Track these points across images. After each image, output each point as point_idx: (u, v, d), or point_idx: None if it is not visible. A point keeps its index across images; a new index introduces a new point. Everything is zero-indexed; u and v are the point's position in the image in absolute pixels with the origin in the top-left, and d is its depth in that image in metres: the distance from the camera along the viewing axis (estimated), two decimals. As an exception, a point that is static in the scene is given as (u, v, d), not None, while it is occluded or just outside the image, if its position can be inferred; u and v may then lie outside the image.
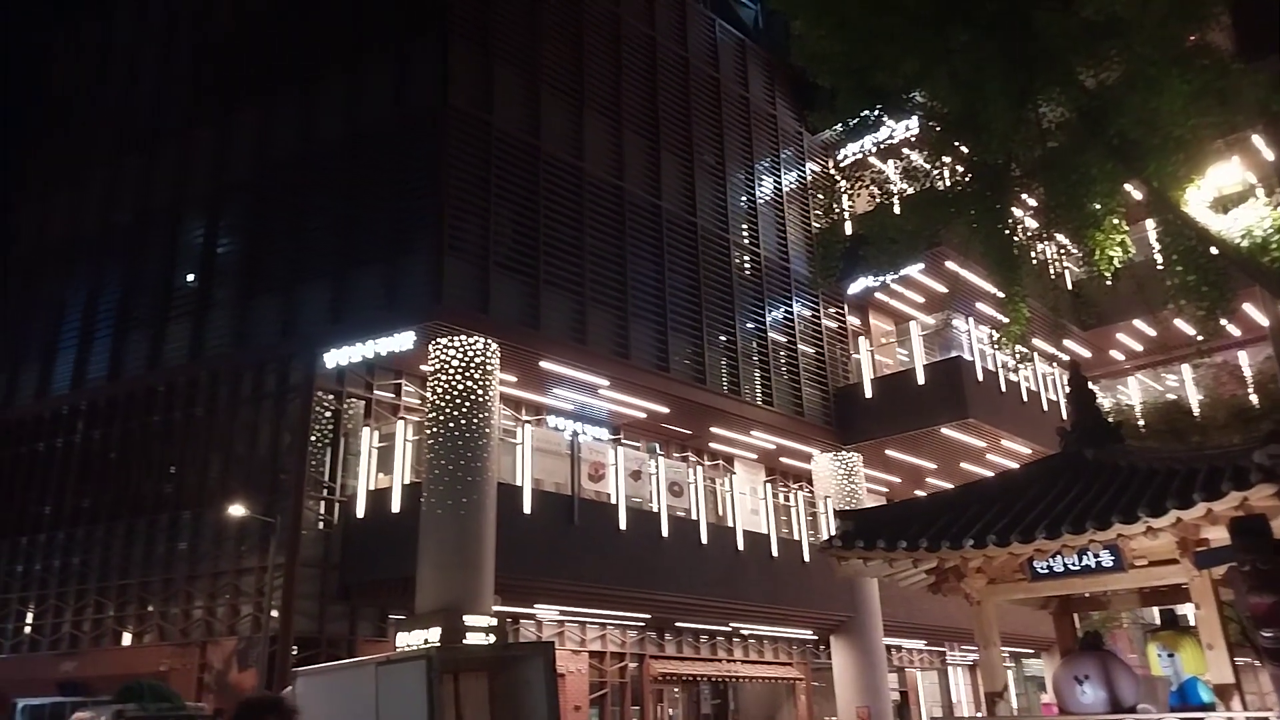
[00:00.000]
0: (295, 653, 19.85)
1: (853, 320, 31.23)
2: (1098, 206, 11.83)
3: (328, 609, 21.09)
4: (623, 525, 23.14)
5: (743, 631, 28.30)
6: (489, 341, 21.02)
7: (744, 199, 29.07)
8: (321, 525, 21.75)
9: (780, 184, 30.43)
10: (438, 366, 20.82)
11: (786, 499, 29.29)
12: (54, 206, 31.04)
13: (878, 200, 15.46)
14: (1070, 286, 28.36)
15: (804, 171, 31.53)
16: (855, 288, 29.88)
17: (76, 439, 26.64)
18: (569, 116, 24.45)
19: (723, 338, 26.58)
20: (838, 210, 19.07)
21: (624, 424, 25.89)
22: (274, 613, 20.14)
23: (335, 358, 21.64)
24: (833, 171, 30.49)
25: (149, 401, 25.36)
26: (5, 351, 29.92)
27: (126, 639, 23.09)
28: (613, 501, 23.41)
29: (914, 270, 27.14)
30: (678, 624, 26.62)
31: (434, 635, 18.26)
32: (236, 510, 20.87)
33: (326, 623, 20.99)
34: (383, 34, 23.73)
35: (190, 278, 26.36)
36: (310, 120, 24.81)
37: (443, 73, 22.04)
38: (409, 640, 18.55)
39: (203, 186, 26.88)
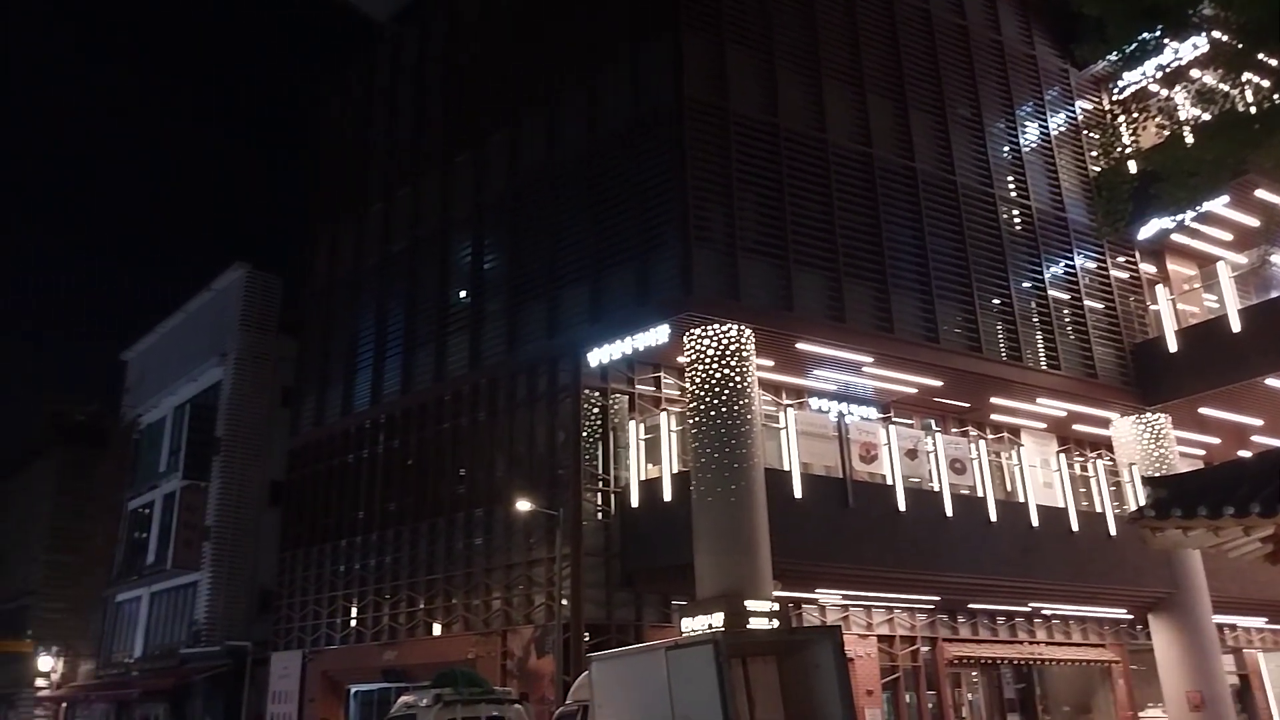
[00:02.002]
0: (587, 639, 20.62)
1: (1147, 268, 28.02)
2: None
3: (614, 596, 21.79)
4: (901, 506, 22.19)
5: (1044, 611, 26.41)
6: (743, 328, 20.86)
7: (1007, 149, 26.92)
8: (600, 516, 22.51)
9: (1047, 128, 27.90)
10: (694, 357, 20.92)
11: (1084, 469, 26.93)
12: (340, 242, 34.30)
13: (1167, 132, 14.01)
14: None
15: (1074, 111, 28.73)
16: (1147, 232, 26.76)
17: (379, 449, 29.24)
18: (807, 89, 23.75)
19: (996, 301, 24.75)
20: (1120, 148, 17.15)
21: (893, 401, 24.73)
22: (564, 601, 21.01)
23: (598, 356, 22.35)
24: (1109, 107, 27.71)
25: (438, 410, 27.36)
26: (313, 376, 33.42)
27: (437, 629, 25.00)
28: (888, 482, 22.51)
29: (1217, 205, 24.06)
30: (970, 605, 25.31)
31: (717, 620, 18.36)
32: (523, 505, 22.01)
33: (614, 609, 21.68)
34: (616, 41, 24.37)
35: (463, 294, 28.17)
36: (555, 133, 25.81)
37: (677, 66, 22.19)
38: (693, 625, 18.73)
39: (465, 208, 28.67)
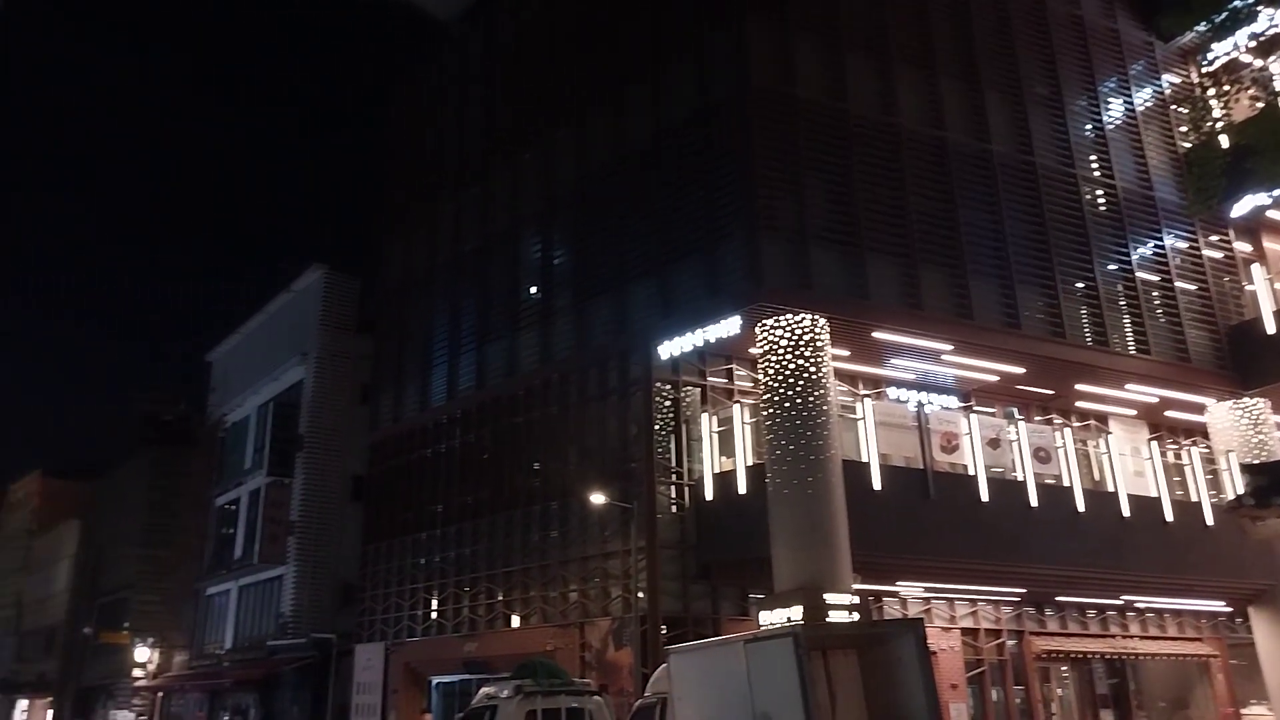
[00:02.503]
0: (664, 631, 20.59)
1: (1241, 246, 26.80)
2: None
3: (690, 589, 21.76)
4: (984, 496, 21.69)
5: (1137, 604, 25.56)
6: (816, 317, 20.58)
7: (1089, 128, 26.01)
8: (674, 508, 22.47)
9: (1132, 104, 26.88)
10: (766, 348, 20.71)
11: (1178, 457, 25.93)
12: (413, 242, 34.80)
13: (1261, 104, 13.49)
14: None
15: (1160, 86, 27.62)
16: (1241, 209, 25.61)
17: (455, 444, 29.63)
18: (877, 74, 23.29)
19: (1080, 284, 23.96)
20: (1210, 123, 16.39)
21: (974, 389, 24.12)
22: (640, 594, 21.01)
23: (668, 349, 22.33)
24: (1198, 80, 26.61)
25: (511, 405, 27.60)
26: (390, 373, 34.03)
27: (515, 621, 25.26)
28: (970, 472, 22.02)
29: (1316, 178, 22.80)
30: (1058, 598, 24.63)
31: (795, 614, 18.17)
32: (596, 498, 22.06)
33: (690, 602, 21.64)
34: (681, 32, 24.22)
35: (533, 290, 28.36)
36: (621, 127, 25.79)
37: (742, 55, 22.01)
38: (771, 618, 18.57)
39: (534, 205, 28.83)
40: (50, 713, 53.92)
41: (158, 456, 46.95)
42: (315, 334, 36.80)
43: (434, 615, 28.19)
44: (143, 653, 42.75)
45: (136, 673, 42.85)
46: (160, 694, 42.16)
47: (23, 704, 59.00)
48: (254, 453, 38.25)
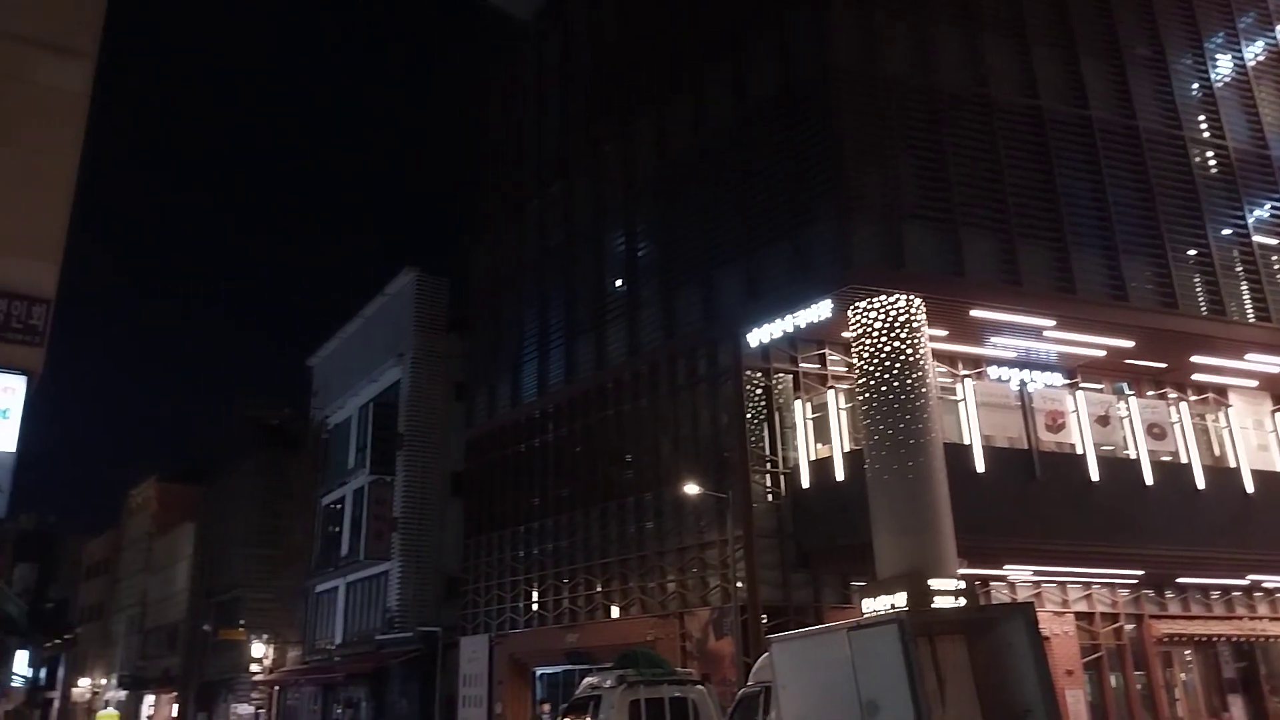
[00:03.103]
0: (765, 620, 20.44)
1: (1365, 204, 25.17)
2: None
3: (790, 577, 21.54)
4: (1094, 476, 20.95)
5: (1265, 585, 24.28)
6: (910, 298, 20.10)
7: (1195, 87, 24.72)
8: (770, 497, 22.26)
9: (1242, 60, 25.42)
10: (860, 331, 20.33)
11: (1305, 429, 24.48)
12: (500, 242, 35.27)
13: None
14: None
15: (1273, 38, 26.06)
16: (1362, 163, 24.06)
17: (549, 438, 29.95)
18: (963, 45, 22.58)
19: (1192, 251, 22.82)
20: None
21: (1080, 365, 23.18)
22: (739, 583, 20.89)
23: (757, 336, 22.08)
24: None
25: (600, 398, 27.75)
26: (483, 371, 34.60)
27: (615, 612, 25.40)
28: (1079, 451, 21.23)
29: None
30: (1178, 579, 23.60)
31: (899, 600, 17.82)
32: (690, 489, 22.00)
33: (791, 590, 21.44)
34: (761, 13, 23.88)
35: (618, 282, 28.42)
36: (701, 113, 25.60)
37: (824, 33, 21.58)
38: (874, 606, 18.25)
39: (616, 197, 28.87)
40: (175, 707, 56.59)
41: (266, 459, 48.72)
42: (410, 335, 37.63)
43: (535, 607, 28.56)
44: (258, 648, 44.47)
45: (254, 668, 44.60)
46: (276, 688, 43.79)
47: (150, 698, 62.02)
48: (356, 452, 39.35)
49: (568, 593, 27.20)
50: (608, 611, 25.66)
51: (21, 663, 60.73)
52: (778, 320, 21.41)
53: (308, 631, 42.85)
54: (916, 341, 19.90)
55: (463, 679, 29.94)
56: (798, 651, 14.71)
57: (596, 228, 29.60)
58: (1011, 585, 22.38)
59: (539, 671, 28.82)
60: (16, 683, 60.81)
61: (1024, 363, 22.55)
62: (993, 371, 22.41)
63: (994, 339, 21.92)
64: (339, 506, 40.58)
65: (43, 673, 74.30)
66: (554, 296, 31.24)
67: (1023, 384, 22.07)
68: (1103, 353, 22.44)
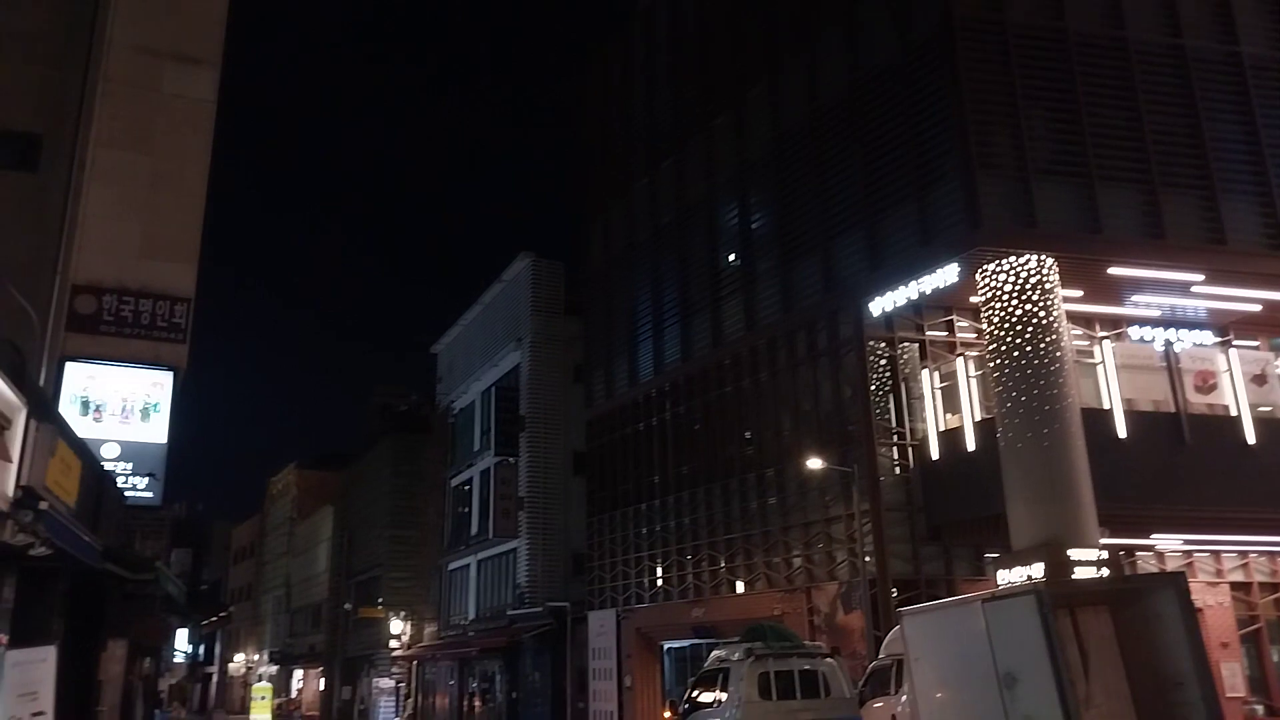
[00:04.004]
0: (895, 594, 20.04)
1: None
2: None
3: (920, 550, 21.06)
4: (1250, 439, 19.64)
5: None
6: (1043, 257, 19.32)
7: (1358, 15, 22.76)
8: (898, 470, 21.80)
9: None
10: (989, 295, 19.64)
11: None
12: (612, 222, 35.42)
13: None
14: None
15: None
16: None
17: (666, 416, 30.04)
18: (1095, -17, 21.34)
19: (1356, 194, 21.08)
20: None
21: (1232, 321, 21.72)
22: (868, 557, 20.53)
23: (880, 304, 21.57)
24: None
25: (719, 375, 27.63)
26: (600, 352, 34.92)
27: (740, 587, 25.33)
28: (1232, 413, 19.90)
29: None
30: (1347, 548, 21.86)
31: (1036, 571, 17.24)
32: (814, 463, 21.70)
33: (921, 564, 20.97)
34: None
35: (732, 257, 28.18)
36: (815, 78, 25.01)
37: (943, -18, 20.66)
38: (1009, 577, 17.68)
39: (729, 170, 28.58)
40: (321, 680, 59.57)
41: (397, 444, 50.53)
42: (527, 320, 38.30)
43: (660, 582, 28.76)
44: (396, 625, 46.28)
45: (393, 643, 46.46)
46: (415, 662, 45.51)
47: (298, 673, 65.48)
48: (481, 435, 40.41)
49: (692, 568, 27.29)
50: (733, 586, 25.63)
51: (182, 640, 64.93)
52: (901, 287, 20.87)
53: (442, 608, 44.36)
54: (1050, 303, 19.14)
55: (592, 652, 30.45)
56: (930, 624, 14.42)
57: (709, 203, 29.40)
58: (1159, 555, 21.24)
59: (666, 645, 29.05)
60: (178, 659, 65.11)
61: (1169, 321, 21.30)
62: (1134, 332, 21.26)
63: (1135, 297, 20.79)
64: (467, 488, 41.77)
65: (201, 649, 79.50)
66: (668, 274, 31.23)
67: (1168, 344, 20.87)
68: (1257, 307, 20.96)
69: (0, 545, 7.17)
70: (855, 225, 22.94)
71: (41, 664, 7.40)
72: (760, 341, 26.05)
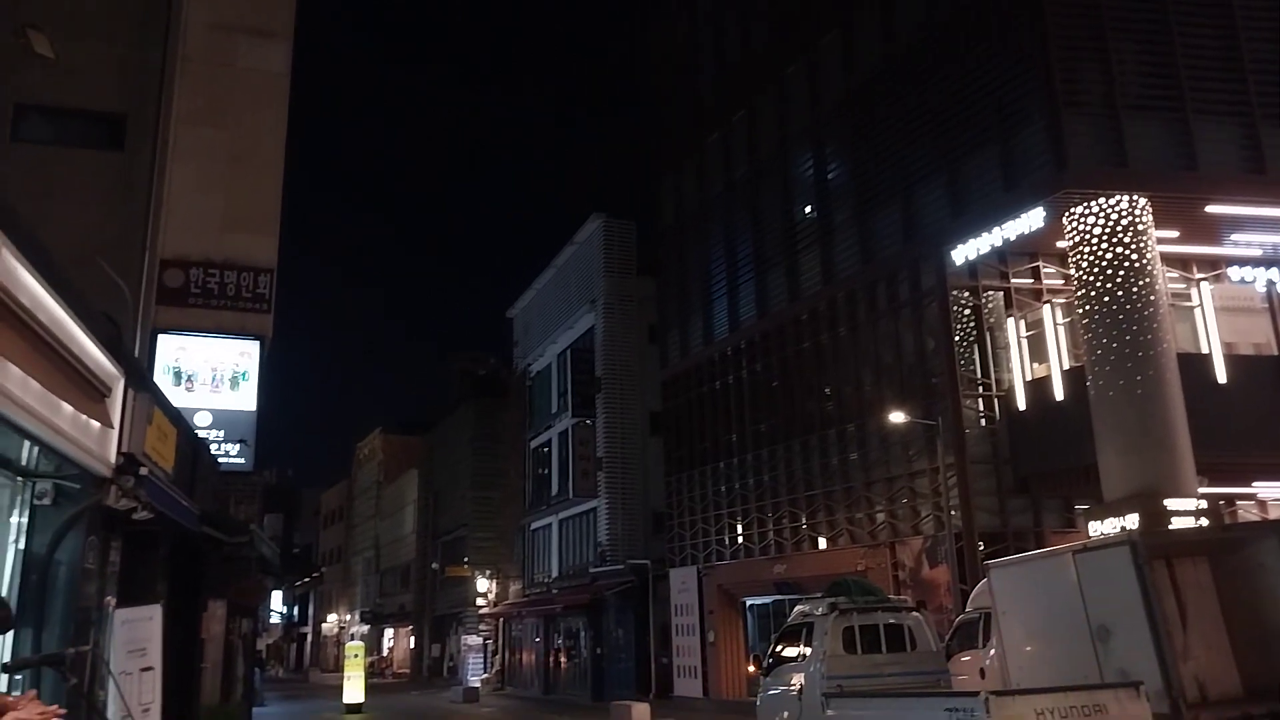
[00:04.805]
0: (981, 548, 19.68)
1: None
2: None
3: (1007, 503, 20.63)
4: (1363, 382, 18.53)
5: None
6: (1135, 198, 18.51)
7: None
8: (983, 422, 21.32)
9: None
10: (1078, 239, 18.95)
11: None
12: (683, 178, 35.02)
13: None
14: None
15: None
16: None
17: (743, 374, 29.83)
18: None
19: None
20: None
21: (1340, 258, 20.61)
22: (953, 511, 20.17)
23: (963, 252, 21.00)
24: None
25: (796, 330, 27.28)
26: (674, 311, 34.75)
27: (822, 543, 25.18)
28: (1342, 355, 18.86)
29: None
30: None
31: (1130, 522, 16.72)
32: (896, 417, 21.33)
33: (1009, 516, 20.55)
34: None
35: (808, 209, 27.66)
36: (890, 20, 24.27)
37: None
38: (1102, 529, 17.20)
39: (803, 121, 27.98)
40: (412, 639, 61.45)
41: (477, 408, 51.38)
42: (600, 281, 38.29)
43: (740, 539, 28.76)
44: (482, 584, 47.36)
45: (479, 602, 47.59)
46: (501, 620, 46.57)
47: (389, 631, 67.65)
48: (558, 397, 40.76)
49: (773, 525, 27.20)
50: (815, 542, 25.48)
51: (277, 602, 67.58)
52: (985, 234, 20.27)
53: (526, 566, 45.20)
54: (1143, 245, 18.38)
55: (675, 609, 30.70)
56: (1019, 577, 14.11)
57: (783, 155, 28.86)
58: (1261, 504, 20.41)
59: (748, 602, 29.12)
60: (274, 620, 67.85)
61: (1271, 260, 20.25)
62: (1234, 273, 20.30)
63: (1234, 236, 19.83)
64: (546, 449, 42.27)
65: (295, 611, 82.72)
66: (741, 230, 30.84)
67: (1270, 284, 19.87)
68: (1368, 243, 19.83)
69: (106, 510, 7.45)
70: (935, 171, 22.32)
71: (148, 621, 7.70)
72: (839, 294, 25.62)
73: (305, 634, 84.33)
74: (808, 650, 14.77)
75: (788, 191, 28.55)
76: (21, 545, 6.71)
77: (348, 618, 73.25)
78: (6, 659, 5.72)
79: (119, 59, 15.60)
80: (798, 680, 14.47)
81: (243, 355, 16.42)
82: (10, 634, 6.11)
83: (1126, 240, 18.36)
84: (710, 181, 33.04)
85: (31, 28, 9.87)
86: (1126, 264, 18.27)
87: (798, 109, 28.21)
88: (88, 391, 5.05)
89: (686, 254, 34.30)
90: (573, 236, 41.10)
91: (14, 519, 6.67)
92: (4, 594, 6.30)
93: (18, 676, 4.55)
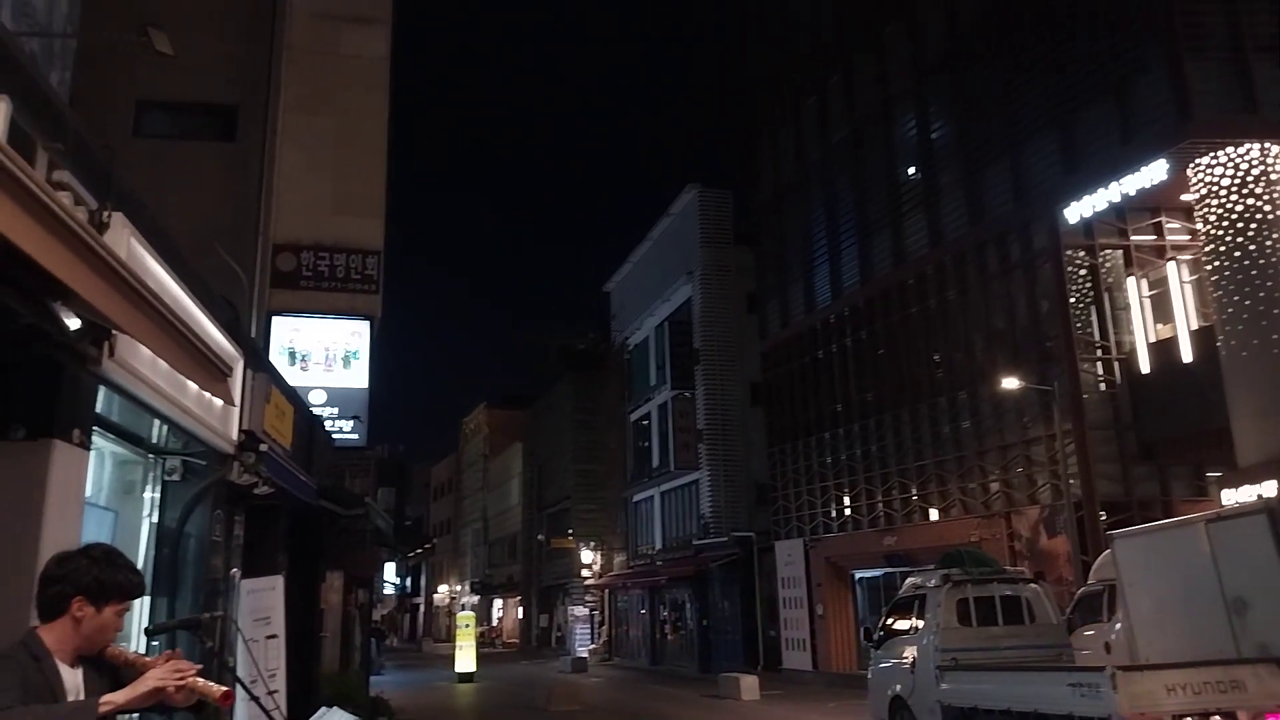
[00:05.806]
0: (1103, 517, 18.90)
1: None
2: None
3: (1130, 470, 19.77)
4: None
5: None
6: (1266, 146, 17.40)
7: None
8: (1103, 386, 20.43)
9: None
10: (1204, 192, 17.90)
11: None
12: (780, 144, 34.39)
13: None
14: None
15: None
16: None
17: (847, 342, 29.24)
18: None
19: None
20: None
21: None
22: (1072, 479, 19.40)
23: (1077, 210, 20.10)
24: None
25: (901, 295, 26.56)
26: (773, 280, 34.27)
27: (934, 514, 24.59)
28: None
29: None
30: None
31: (1268, 489, 15.78)
32: (1010, 383, 20.60)
33: (1132, 484, 19.70)
34: None
35: (912, 171, 26.84)
36: (995, -30, 23.16)
37: None
38: (1236, 497, 16.29)
39: (903, 80, 27.10)
40: (520, 609, 62.88)
41: (577, 382, 51.89)
42: (697, 252, 38.06)
43: (848, 511, 28.34)
44: (587, 555, 48.03)
45: (584, 573, 48.28)
46: (607, 591, 47.19)
47: (498, 601, 69.36)
48: (657, 370, 40.80)
49: (881, 496, 26.70)
50: (926, 514, 24.91)
51: (391, 573, 69.92)
52: (1101, 190, 19.33)
53: (630, 538, 45.63)
54: (1276, 196, 17.24)
55: (781, 581, 30.51)
56: (1146, 547, 13.46)
57: (884, 115, 28.04)
58: None
59: (857, 575, 28.72)
60: (388, 590, 70.25)
61: None
62: (1384, 221, 18.80)
63: (1384, 181, 18.34)
64: (646, 422, 42.43)
65: (408, 582, 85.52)
66: (842, 194, 30.15)
67: None
68: None
69: (230, 485, 7.74)
70: (1046, 127, 21.37)
71: (271, 591, 8.00)
72: (946, 257, 24.84)
73: (418, 604, 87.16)
74: (920, 623, 14.45)
75: (890, 153, 27.75)
76: (154, 519, 7.03)
77: (458, 588, 75.38)
78: (146, 625, 6.00)
79: (230, 53, 16.10)
80: (910, 653, 14.19)
81: (354, 335, 16.89)
82: (147, 601, 6.42)
83: (1258, 191, 17.30)
84: (807, 147, 32.37)
85: (153, 27, 10.25)
86: (1259, 216, 17.21)
87: (898, 68, 27.32)
88: (211, 372, 5.23)
89: (785, 221, 33.74)
90: (669, 208, 40.94)
91: (147, 494, 6.99)
92: (139, 565, 6.61)
93: (154, 642, 4.74)
